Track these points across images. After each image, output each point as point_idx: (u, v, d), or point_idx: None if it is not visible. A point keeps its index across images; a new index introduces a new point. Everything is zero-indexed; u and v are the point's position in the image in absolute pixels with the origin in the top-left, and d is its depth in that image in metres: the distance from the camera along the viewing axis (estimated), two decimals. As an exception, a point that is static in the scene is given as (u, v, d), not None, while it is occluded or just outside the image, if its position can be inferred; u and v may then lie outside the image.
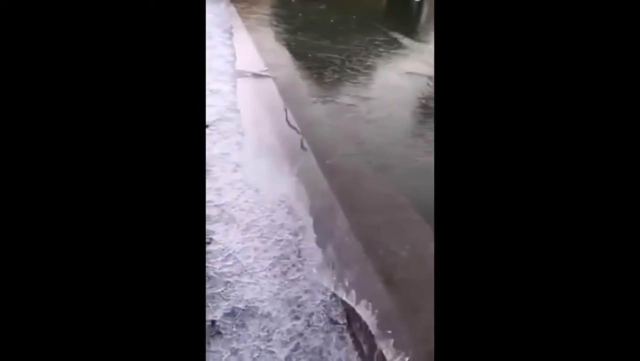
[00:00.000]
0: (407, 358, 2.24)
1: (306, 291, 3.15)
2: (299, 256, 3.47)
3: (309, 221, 3.68)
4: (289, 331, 2.87)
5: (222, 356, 2.71)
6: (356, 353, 2.69)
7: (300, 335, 2.85)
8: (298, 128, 4.40)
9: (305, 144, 4.22)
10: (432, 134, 4.62)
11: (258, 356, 2.72)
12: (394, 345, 2.32)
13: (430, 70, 6.24)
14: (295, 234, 3.65)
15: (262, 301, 3.08)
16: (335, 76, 6.06)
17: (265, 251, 3.51)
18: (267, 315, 2.99)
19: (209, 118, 5.33)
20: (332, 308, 3.02)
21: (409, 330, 2.36)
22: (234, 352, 2.73)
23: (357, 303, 2.77)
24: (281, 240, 3.61)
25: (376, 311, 2.65)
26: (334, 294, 3.09)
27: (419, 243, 3.01)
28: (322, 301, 3.09)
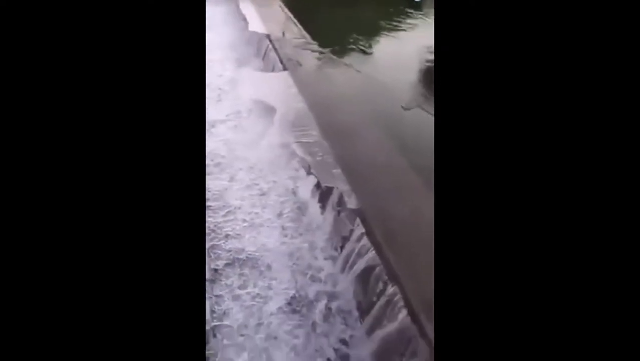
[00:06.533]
0: (405, 311, 2.29)
1: (305, 245, 3.24)
2: (298, 215, 3.54)
3: (309, 182, 3.73)
4: (288, 280, 2.96)
5: (224, 300, 2.80)
6: (355, 301, 2.78)
7: (298, 285, 2.95)
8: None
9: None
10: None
11: (256, 304, 2.82)
12: (397, 295, 2.38)
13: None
14: (294, 193, 3.71)
15: (261, 253, 3.17)
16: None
17: (265, 208, 3.58)
18: (268, 266, 3.07)
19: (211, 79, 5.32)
20: (330, 263, 3.10)
21: (409, 284, 2.41)
22: (236, 297, 2.82)
23: (358, 257, 2.83)
24: (281, 198, 3.68)
25: (369, 266, 2.70)
26: (333, 249, 3.18)
27: (418, 205, 3.06)
28: (319, 256, 3.18)
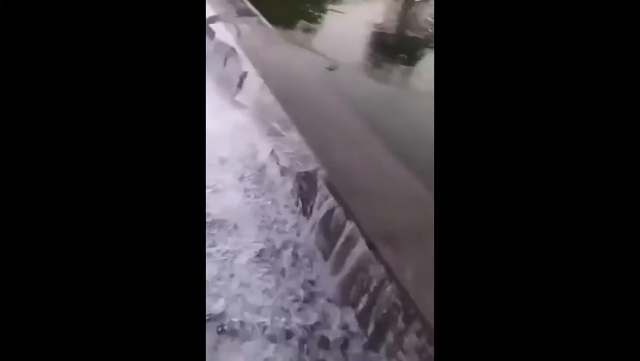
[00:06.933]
0: (363, 241, 2.54)
1: (268, 203, 3.43)
2: (259, 177, 3.71)
3: (267, 146, 3.88)
4: (255, 235, 3.15)
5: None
6: (318, 245, 3.01)
7: (265, 238, 3.14)
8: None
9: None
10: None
11: (227, 258, 3.00)
12: (355, 229, 2.63)
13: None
14: (254, 157, 3.86)
15: (227, 216, 3.33)
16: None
17: (225, 173, 3.72)
18: (235, 226, 3.24)
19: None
20: (294, 215, 3.31)
21: (364, 219, 2.66)
22: (207, 255, 2.98)
23: (319, 205, 3.05)
24: (241, 164, 3.82)
25: (329, 210, 2.92)
26: (295, 204, 3.38)
27: (370, 154, 3.29)
28: (282, 211, 3.38)
